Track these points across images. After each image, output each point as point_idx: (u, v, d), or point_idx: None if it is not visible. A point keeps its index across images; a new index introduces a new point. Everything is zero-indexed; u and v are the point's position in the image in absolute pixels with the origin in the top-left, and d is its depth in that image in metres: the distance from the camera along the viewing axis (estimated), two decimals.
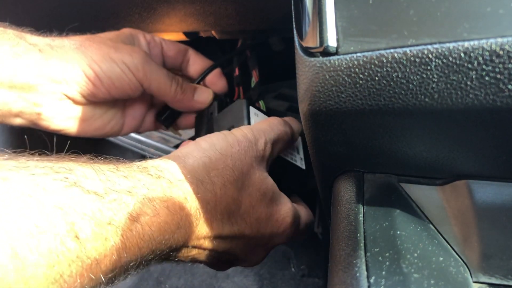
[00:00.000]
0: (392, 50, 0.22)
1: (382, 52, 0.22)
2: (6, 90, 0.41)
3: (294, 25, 0.27)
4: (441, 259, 0.26)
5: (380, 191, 0.29)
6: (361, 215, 0.28)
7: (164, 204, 0.30)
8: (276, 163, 0.43)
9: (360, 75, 0.23)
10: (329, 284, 0.27)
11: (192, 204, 0.32)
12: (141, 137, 0.91)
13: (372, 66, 0.22)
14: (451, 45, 0.20)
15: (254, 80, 0.53)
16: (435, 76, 0.21)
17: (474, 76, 0.20)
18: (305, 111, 0.26)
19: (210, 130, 0.49)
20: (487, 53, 0.20)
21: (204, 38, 0.56)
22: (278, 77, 0.59)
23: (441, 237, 0.28)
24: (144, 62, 0.46)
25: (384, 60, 0.22)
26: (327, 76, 0.24)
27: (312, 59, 0.24)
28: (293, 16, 0.28)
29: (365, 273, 0.24)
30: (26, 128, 0.46)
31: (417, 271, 0.24)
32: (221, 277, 0.77)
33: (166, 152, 0.74)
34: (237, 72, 0.55)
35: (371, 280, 0.23)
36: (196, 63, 0.54)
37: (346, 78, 0.23)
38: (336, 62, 0.23)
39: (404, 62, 0.21)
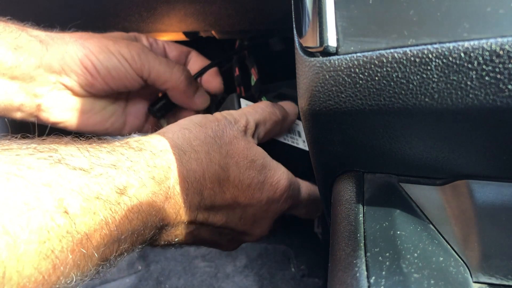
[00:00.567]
0: (392, 50, 0.22)
1: (382, 52, 0.22)
2: (8, 81, 0.42)
3: (294, 25, 0.27)
4: (441, 259, 0.26)
5: (380, 191, 0.29)
6: (361, 215, 0.28)
7: (149, 175, 0.30)
8: (276, 147, 0.43)
9: (360, 75, 0.23)
10: (329, 284, 0.27)
11: (178, 173, 0.33)
12: None
13: (372, 66, 0.22)
14: (451, 45, 0.20)
15: (253, 78, 0.54)
16: (435, 76, 0.21)
17: (474, 76, 0.20)
18: (305, 111, 0.26)
19: None
20: (487, 53, 0.20)
21: (204, 38, 0.56)
22: (278, 77, 0.59)
23: (441, 237, 0.28)
24: (141, 52, 0.46)
25: (384, 60, 0.22)
26: (327, 76, 0.24)
27: (312, 59, 0.24)
28: (293, 16, 0.28)
29: (365, 273, 0.24)
30: (25, 124, 0.46)
31: (417, 271, 0.24)
32: (221, 277, 0.77)
33: None
34: (237, 72, 0.55)
35: (371, 280, 0.23)
36: (197, 64, 0.54)
37: (346, 78, 0.23)
38: (336, 62, 0.23)
39: (404, 62, 0.21)
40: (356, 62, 0.22)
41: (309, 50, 0.24)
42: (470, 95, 0.21)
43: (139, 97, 0.53)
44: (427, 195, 0.28)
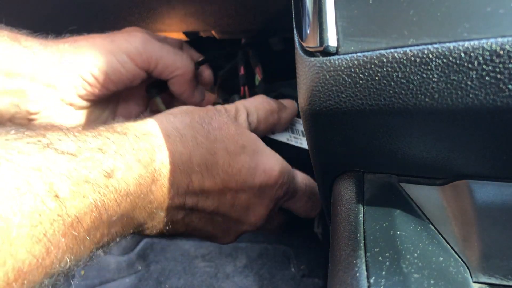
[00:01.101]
0: (392, 50, 0.22)
1: (382, 52, 0.22)
2: None
3: (294, 25, 0.27)
4: (441, 259, 0.26)
5: (380, 191, 0.29)
6: (361, 215, 0.28)
7: (135, 158, 0.31)
8: (282, 148, 0.43)
9: (360, 75, 0.23)
10: (329, 284, 0.27)
11: (163, 155, 0.33)
12: None
13: (372, 66, 0.22)
14: (451, 45, 0.20)
15: (258, 77, 0.53)
16: (435, 76, 0.21)
17: (474, 76, 0.20)
18: (305, 111, 0.26)
19: None
20: (487, 53, 0.20)
21: (204, 38, 0.56)
22: (278, 77, 0.59)
23: (441, 237, 0.28)
24: (145, 41, 0.44)
25: (384, 60, 0.22)
26: (327, 76, 0.24)
27: (312, 59, 0.24)
28: (293, 16, 0.28)
29: (365, 273, 0.24)
30: None
31: (417, 271, 0.24)
32: (221, 277, 0.77)
33: None
34: (242, 71, 0.55)
35: (371, 280, 0.23)
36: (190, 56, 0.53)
37: (346, 78, 0.23)
38: (336, 62, 0.23)
39: (404, 62, 0.21)
40: (356, 62, 0.22)
41: (309, 50, 0.24)
42: (470, 95, 0.21)
43: (129, 100, 0.52)
44: (427, 195, 0.28)
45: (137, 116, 0.52)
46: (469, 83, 0.20)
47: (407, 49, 0.21)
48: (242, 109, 0.40)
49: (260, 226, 0.41)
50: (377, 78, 0.22)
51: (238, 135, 0.38)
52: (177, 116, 0.36)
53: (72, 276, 0.72)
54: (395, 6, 0.22)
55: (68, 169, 0.26)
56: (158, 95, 0.53)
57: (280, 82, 0.59)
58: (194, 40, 0.57)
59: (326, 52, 0.23)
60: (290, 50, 0.28)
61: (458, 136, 0.23)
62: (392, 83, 0.22)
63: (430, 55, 0.21)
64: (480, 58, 0.20)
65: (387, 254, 0.25)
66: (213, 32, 0.54)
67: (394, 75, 0.22)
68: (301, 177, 0.43)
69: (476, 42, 0.20)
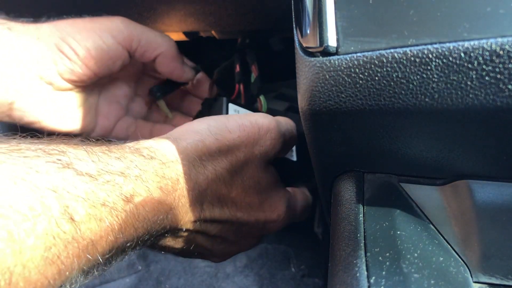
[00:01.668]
0: (392, 50, 0.22)
1: (382, 52, 0.22)
2: None
3: (294, 25, 0.27)
4: (441, 259, 0.26)
5: (380, 191, 0.29)
6: (361, 215, 0.28)
7: (157, 185, 0.30)
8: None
9: (360, 75, 0.23)
10: (329, 284, 0.27)
11: (184, 185, 0.32)
12: None
13: (372, 66, 0.22)
14: (451, 45, 0.20)
15: (253, 75, 0.53)
16: (435, 76, 0.21)
17: (474, 76, 0.20)
18: (305, 111, 0.26)
19: None
20: (487, 53, 0.20)
21: (204, 38, 0.56)
22: (278, 77, 0.59)
23: (441, 237, 0.28)
24: (126, 22, 0.44)
25: (384, 60, 0.22)
26: (327, 76, 0.24)
27: (312, 59, 0.24)
28: (293, 16, 0.28)
29: (365, 273, 0.24)
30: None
31: (417, 271, 0.24)
32: (221, 277, 0.77)
33: None
34: (237, 69, 0.55)
35: (371, 280, 0.23)
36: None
37: (346, 78, 0.23)
38: (336, 62, 0.23)
39: (404, 62, 0.21)
40: (356, 62, 0.22)
41: (309, 50, 0.24)
42: (470, 95, 0.21)
43: (111, 95, 0.51)
44: (427, 195, 0.28)
45: (115, 115, 0.50)
46: (469, 83, 0.20)
47: (407, 49, 0.21)
48: (277, 139, 0.39)
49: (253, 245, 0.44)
50: (377, 78, 0.22)
51: (257, 172, 0.38)
52: (205, 143, 0.34)
53: None
54: (395, 6, 0.22)
55: (85, 191, 0.25)
56: (162, 98, 0.52)
57: (280, 82, 0.59)
58: (194, 40, 0.57)
59: (326, 52, 0.23)
60: (290, 50, 0.28)
61: (458, 136, 0.23)
62: (392, 83, 0.22)
63: (430, 55, 0.21)
64: (480, 58, 0.20)
65: (387, 254, 0.25)
66: (213, 32, 0.54)
67: (394, 75, 0.22)
68: (300, 201, 0.44)
69: (476, 42, 0.20)
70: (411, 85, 0.22)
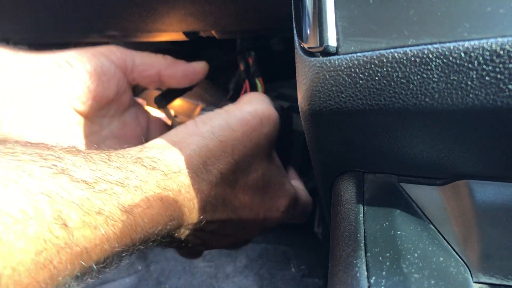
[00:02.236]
0: (392, 50, 0.22)
1: (383, 52, 0.22)
2: None
3: (294, 25, 0.27)
4: (441, 259, 0.26)
5: (380, 191, 0.29)
6: (361, 215, 0.28)
7: (157, 197, 0.30)
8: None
9: (360, 75, 0.23)
10: (329, 284, 0.27)
11: (186, 195, 0.32)
12: None
13: (373, 66, 0.22)
14: (451, 45, 0.20)
15: (260, 87, 0.54)
16: (436, 76, 0.21)
17: (474, 76, 0.20)
18: (305, 111, 0.26)
19: None
20: (487, 53, 0.20)
21: (204, 38, 0.56)
22: (278, 77, 0.59)
23: (441, 237, 0.28)
24: (119, 47, 0.44)
25: (385, 60, 0.22)
26: (327, 76, 0.23)
27: (312, 59, 0.24)
28: (293, 16, 0.28)
29: (366, 273, 0.24)
30: None
31: (418, 271, 0.24)
32: (221, 277, 0.77)
33: None
34: (241, 67, 0.55)
35: (372, 281, 0.23)
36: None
37: (346, 78, 0.23)
38: (336, 62, 0.23)
39: (405, 62, 0.21)
40: (356, 62, 0.22)
41: (309, 50, 0.24)
42: (471, 95, 0.21)
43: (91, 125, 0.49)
44: (427, 195, 0.28)
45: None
46: (469, 83, 0.20)
47: (407, 49, 0.21)
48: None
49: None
50: (377, 78, 0.22)
51: (262, 168, 0.38)
52: (209, 148, 0.34)
53: None
54: (395, 6, 0.22)
55: (80, 198, 0.25)
56: (167, 106, 0.52)
57: (280, 82, 0.59)
58: (194, 40, 0.57)
59: (326, 52, 0.23)
60: (290, 50, 0.28)
61: (458, 136, 0.23)
62: (392, 83, 0.22)
63: (430, 55, 0.21)
64: (480, 58, 0.20)
65: (388, 254, 0.25)
66: (213, 32, 0.54)
67: (394, 75, 0.22)
68: (301, 201, 0.44)
69: (476, 42, 0.20)
70: (411, 85, 0.22)
